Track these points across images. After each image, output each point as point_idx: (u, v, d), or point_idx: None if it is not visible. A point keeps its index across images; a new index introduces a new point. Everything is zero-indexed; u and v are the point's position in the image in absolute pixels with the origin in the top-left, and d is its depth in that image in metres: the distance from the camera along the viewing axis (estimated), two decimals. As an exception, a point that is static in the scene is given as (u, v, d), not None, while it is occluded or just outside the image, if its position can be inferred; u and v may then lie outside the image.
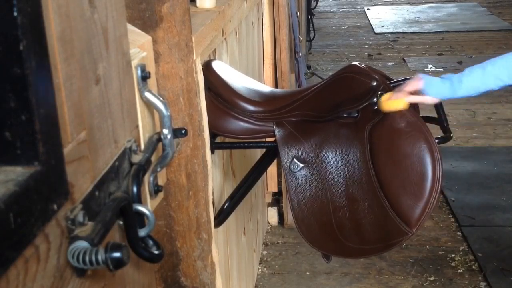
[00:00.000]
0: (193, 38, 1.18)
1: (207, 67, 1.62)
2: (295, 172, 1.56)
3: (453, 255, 2.82)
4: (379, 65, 5.87)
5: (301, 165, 1.56)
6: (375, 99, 1.51)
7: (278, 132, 1.60)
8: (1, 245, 0.53)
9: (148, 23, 1.04)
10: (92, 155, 0.73)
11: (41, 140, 0.59)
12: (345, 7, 9.50)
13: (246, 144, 1.70)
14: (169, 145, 0.96)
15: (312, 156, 1.56)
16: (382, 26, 7.81)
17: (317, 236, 1.57)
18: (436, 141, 1.52)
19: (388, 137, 1.50)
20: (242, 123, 1.63)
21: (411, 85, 1.49)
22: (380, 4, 9.47)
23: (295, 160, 1.56)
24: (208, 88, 1.57)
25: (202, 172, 1.20)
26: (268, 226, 3.18)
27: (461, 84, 1.45)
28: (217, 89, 1.62)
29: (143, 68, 0.93)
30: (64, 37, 0.66)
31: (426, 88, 1.48)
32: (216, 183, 1.81)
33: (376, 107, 1.51)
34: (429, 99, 1.50)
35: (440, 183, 1.45)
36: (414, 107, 1.55)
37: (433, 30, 7.43)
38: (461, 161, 3.77)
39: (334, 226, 1.53)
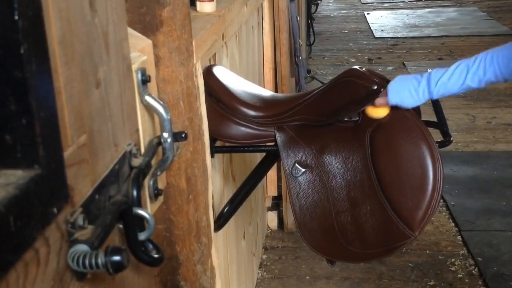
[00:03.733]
0: (193, 42, 1.18)
1: (208, 73, 1.62)
2: (297, 177, 1.56)
3: (453, 260, 2.82)
4: (379, 69, 5.87)
5: (303, 170, 1.56)
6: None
7: (279, 137, 1.60)
8: (1, 248, 0.53)
9: (148, 27, 1.04)
10: (92, 158, 0.73)
11: (42, 143, 0.59)
12: (345, 11, 9.51)
13: (246, 148, 1.70)
14: (169, 149, 0.96)
15: (313, 160, 1.56)
16: (382, 31, 7.82)
17: (320, 241, 1.57)
18: (436, 145, 1.52)
19: (388, 140, 1.50)
20: (243, 128, 1.64)
21: (381, 101, 1.48)
22: (380, 9, 9.48)
23: (296, 165, 1.56)
24: (209, 93, 1.58)
25: (202, 176, 1.20)
26: (268, 230, 3.17)
27: (434, 84, 1.43)
28: (218, 94, 1.62)
29: (143, 72, 0.93)
30: (64, 41, 0.66)
31: (391, 98, 1.46)
32: (216, 187, 1.81)
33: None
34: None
35: (441, 185, 1.45)
36: (415, 111, 1.55)
37: (433, 35, 7.44)
38: (461, 166, 3.77)
39: (336, 230, 1.53)
